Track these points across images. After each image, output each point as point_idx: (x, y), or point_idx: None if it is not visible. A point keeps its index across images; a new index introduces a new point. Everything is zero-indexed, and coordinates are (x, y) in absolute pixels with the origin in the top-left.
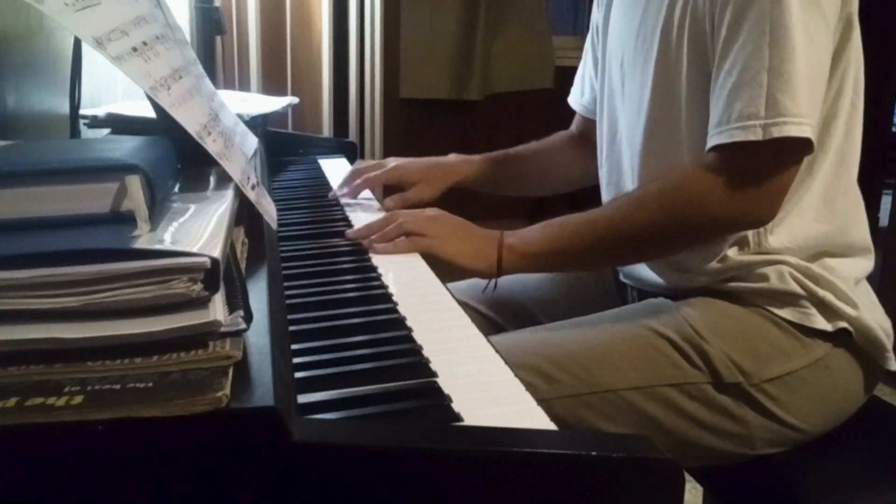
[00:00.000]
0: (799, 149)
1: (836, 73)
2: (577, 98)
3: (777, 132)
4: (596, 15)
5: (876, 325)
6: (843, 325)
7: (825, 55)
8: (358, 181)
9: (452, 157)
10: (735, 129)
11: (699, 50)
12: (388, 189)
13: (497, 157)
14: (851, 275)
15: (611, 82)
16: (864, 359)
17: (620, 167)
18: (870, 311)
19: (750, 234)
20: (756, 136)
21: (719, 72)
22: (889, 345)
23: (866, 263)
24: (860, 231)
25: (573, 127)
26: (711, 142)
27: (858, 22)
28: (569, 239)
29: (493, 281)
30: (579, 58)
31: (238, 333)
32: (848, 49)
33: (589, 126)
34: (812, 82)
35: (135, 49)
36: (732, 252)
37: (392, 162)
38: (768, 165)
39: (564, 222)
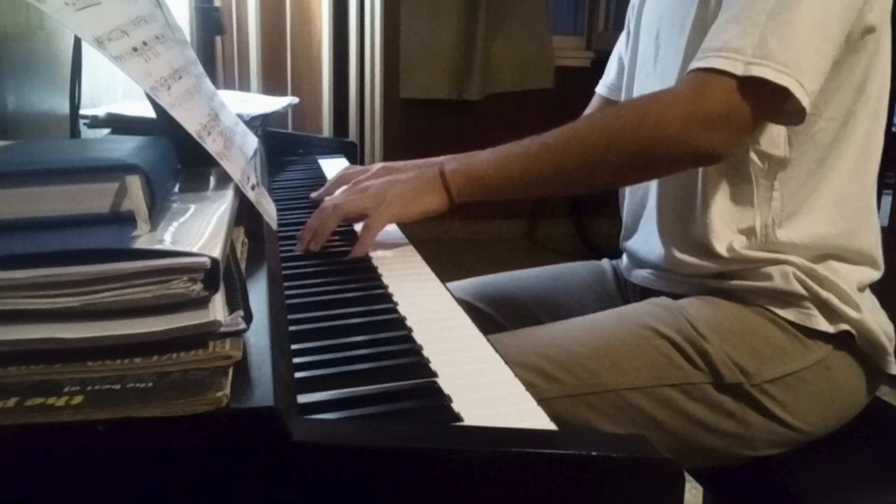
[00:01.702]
0: (772, 96)
1: (855, 73)
2: (602, 82)
3: (756, 71)
4: None
5: (878, 328)
6: (845, 327)
7: (837, 26)
8: (343, 186)
9: (442, 159)
10: (717, 57)
11: None
12: None
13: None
14: (855, 279)
15: (642, 57)
16: (865, 361)
17: None
18: (872, 314)
19: (758, 226)
20: (735, 69)
21: (720, 6)
22: (890, 348)
23: (872, 273)
24: (869, 241)
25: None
26: (692, 65)
27: (888, 30)
28: (519, 162)
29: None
30: (579, 58)
31: (238, 333)
32: (866, 55)
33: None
34: (812, 42)
35: (135, 49)
36: (739, 243)
37: (379, 165)
38: (737, 102)
39: (513, 145)
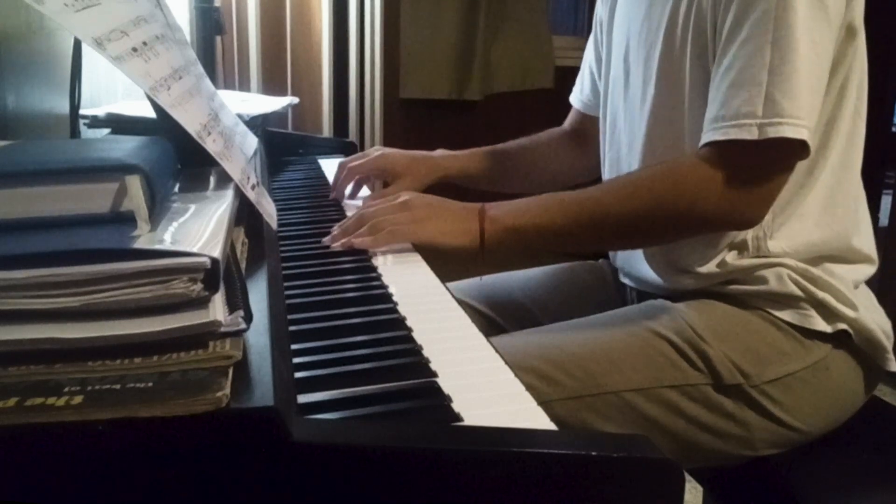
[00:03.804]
0: (794, 151)
1: (837, 78)
2: (576, 94)
3: (773, 132)
4: (600, 9)
5: (876, 326)
6: (843, 326)
7: (827, 59)
8: (344, 173)
9: (438, 152)
10: (731, 127)
11: (701, 47)
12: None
13: (485, 151)
14: (851, 278)
15: (614, 77)
16: (864, 360)
17: (619, 164)
18: (869, 313)
19: (749, 238)
20: (752, 135)
21: (719, 67)
22: (889, 346)
23: (867, 269)
24: (862, 239)
25: (566, 124)
26: (706, 137)
27: (863, 28)
28: (555, 217)
29: (482, 276)
30: (579, 58)
31: (238, 333)
32: (849, 55)
33: (584, 122)
34: (812, 85)
35: (135, 49)
36: (731, 257)
37: (377, 151)
38: (762, 165)
39: (551, 199)
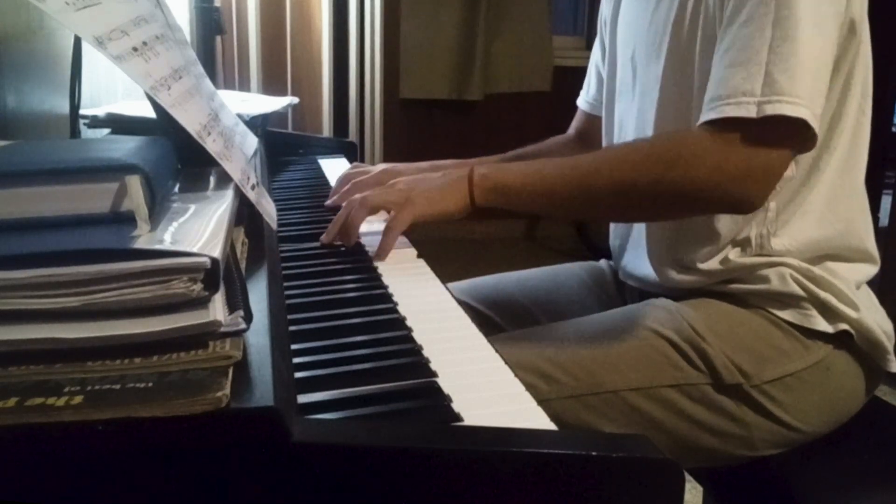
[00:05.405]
0: (795, 130)
1: (840, 75)
2: (583, 96)
3: (771, 110)
4: (605, 9)
5: (877, 327)
6: (844, 326)
7: (830, 45)
8: (346, 187)
9: (448, 163)
10: (728, 105)
11: (708, 41)
12: None
13: (497, 160)
14: (852, 278)
15: (621, 76)
16: (865, 360)
17: None
18: (871, 313)
19: (753, 236)
20: (749, 112)
21: (719, 49)
22: (890, 347)
23: (869, 269)
24: (864, 237)
25: (571, 129)
26: (704, 117)
27: (867, 25)
28: (548, 179)
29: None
30: (579, 58)
31: (238, 333)
32: (851, 52)
33: (591, 124)
34: (815, 67)
35: (135, 49)
36: (734, 254)
37: (381, 166)
38: (760, 144)
39: (546, 162)
